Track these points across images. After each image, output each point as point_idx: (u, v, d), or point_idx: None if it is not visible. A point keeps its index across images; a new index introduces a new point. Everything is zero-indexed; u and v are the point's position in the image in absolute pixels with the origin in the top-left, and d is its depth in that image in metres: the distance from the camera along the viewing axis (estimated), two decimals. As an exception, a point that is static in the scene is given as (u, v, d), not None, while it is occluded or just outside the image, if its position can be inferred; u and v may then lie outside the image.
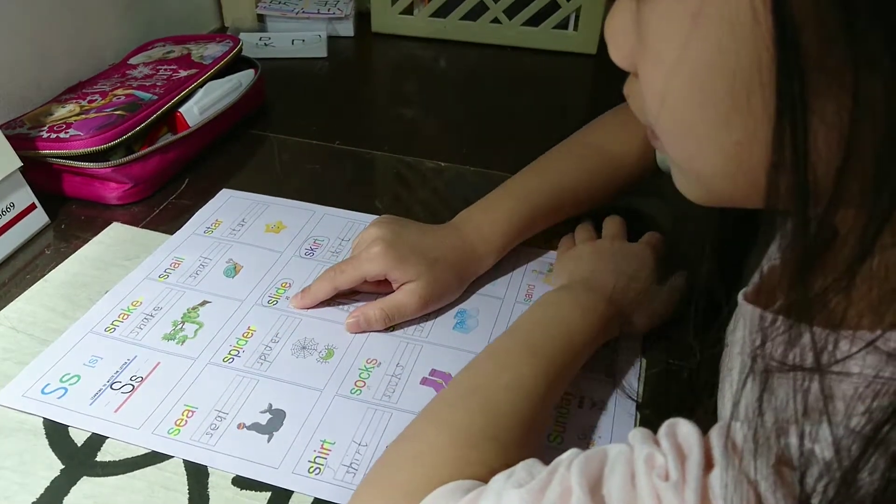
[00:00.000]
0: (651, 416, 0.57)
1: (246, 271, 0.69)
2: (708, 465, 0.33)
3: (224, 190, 0.82)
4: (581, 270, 0.65)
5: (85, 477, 0.51)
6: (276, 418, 0.55)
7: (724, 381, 0.53)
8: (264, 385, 0.58)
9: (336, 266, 0.65)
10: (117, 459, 0.52)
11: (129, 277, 0.68)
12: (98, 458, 0.52)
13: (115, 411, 0.55)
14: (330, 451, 0.53)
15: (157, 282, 0.68)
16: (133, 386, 0.57)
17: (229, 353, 0.60)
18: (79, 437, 0.53)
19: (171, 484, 0.50)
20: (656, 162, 0.72)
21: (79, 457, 0.52)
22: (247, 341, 0.62)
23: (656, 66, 0.33)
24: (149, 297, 0.66)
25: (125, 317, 0.64)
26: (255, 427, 0.54)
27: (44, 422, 0.54)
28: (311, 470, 0.51)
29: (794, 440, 0.30)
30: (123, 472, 0.51)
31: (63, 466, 0.51)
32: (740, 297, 0.42)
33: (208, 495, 0.50)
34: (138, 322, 0.63)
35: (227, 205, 0.79)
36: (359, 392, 0.58)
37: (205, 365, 0.59)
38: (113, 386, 0.57)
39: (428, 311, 0.65)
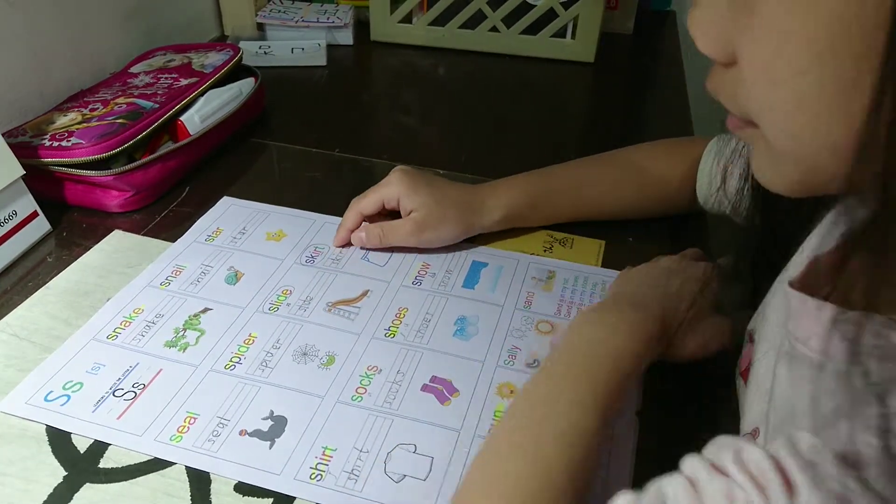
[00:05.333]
0: (650, 421, 0.57)
1: (247, 279, 0.70)
2: (787, 487, 0.31)
3: (225, 198, 0.82)
4: (634, 286, 0.61)
5: (88, 483, 0.51)
6: (278, 425, 0.55)
7: (750, 382, 0.53)
8: (266, 392, 0.58)
9: (358, 197, 0.74)
10: (120, 466, 0.52)
11: (131, 285, 0.68)
12: (101, 465, 0.52)
13: (118, 418, 0.55)
14: (331, 457, 0.53)
15: (158, 289, 0.68)
16: (135, 393, 0.58)
17: (231, 360, 0.61)
18: (81, 444, 0.54)
19: (173, 490, 0.51)
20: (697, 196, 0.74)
21: (82, 463, 0.52)
22: (248, 348, 0.62)
23: (771, 38, 0.32)
24: (150, 305, 0.66)
25: (127, 324, 0.64)
26: (257, 434, 0.55)
27: (47, 429, 0.55)
28: (313, 476, 0.52)
29: (862, 436, 0.29)
30: (126, 479, 0.51)
31: (66, 473, 0.51)
32: (786, 285, 0.42)
33: (210, 502, 0.50)
34: (140, 329, 0.64)
35: (228, 213, 0.79)
36: (360, 399, 0.58)
37: (206, 372, 0.60)
38: (115, 393, 0.57)
39: (422, 242, 0.72)
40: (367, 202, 0.72)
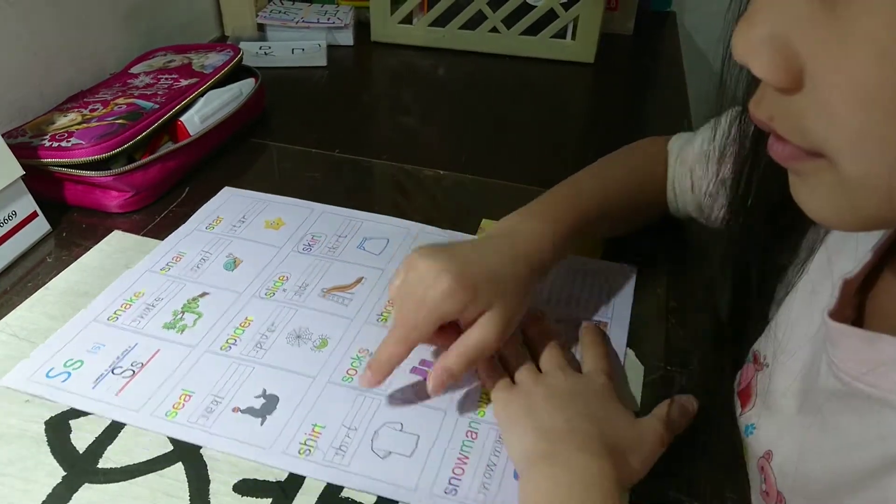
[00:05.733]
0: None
1: (245, 265, 0.71)
2: None
3: (226, 188, 0.83)
4: (556, 425, 0.51)
5: (86, 483, 0.50)
6: (270, 403, 0.56)
7: (759, 405, 0.52)
8: (259, 372, 0.59)
9: (401, 321, 0.54)
10: (119, 466, 0.52)
11: (133, 270, 0.69)
12: (100, 465, 0.52)
13: (116, 395, 0.56)
14: (320, 434, 0.54)
15: (158, 274, 0.69)
16: (133, 371, 0.58)
17: (227, 342, 0.61)
18: (80, 444, 0.53)
19: (172, 490, 0.50)
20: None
21: (80, 464, 0.52)
22: (244, 330, 0.63)
23: (868, 56, 0.28)
24: (151, 289, 0.67)
25: (127, 307, 0.65)
26: (250, 411, 0.55)
27: (45, 429, 0.54)
28: (302, 451, 0.52)
29: None
30: (125, 479, 0.51)
31: (65, 473, 0.51)
32: (826, 318, 0.41)
33: (209, 502, 0.50)
34: (140, 312, 0.64)
35: (228, 202, 0.80)
36: (350, 379, 0.58)
37: (203, 352, 0.60)
38: (114, 371, 0.58)
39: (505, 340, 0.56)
40: (423, 332, 0.54)
